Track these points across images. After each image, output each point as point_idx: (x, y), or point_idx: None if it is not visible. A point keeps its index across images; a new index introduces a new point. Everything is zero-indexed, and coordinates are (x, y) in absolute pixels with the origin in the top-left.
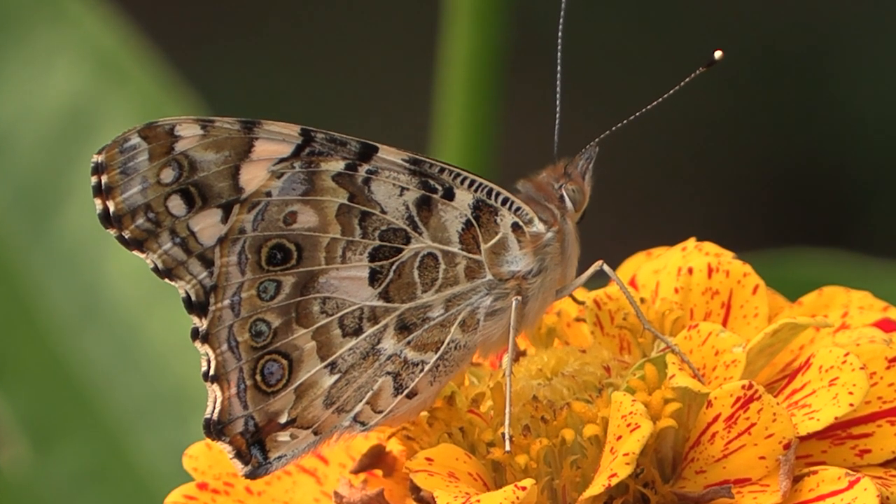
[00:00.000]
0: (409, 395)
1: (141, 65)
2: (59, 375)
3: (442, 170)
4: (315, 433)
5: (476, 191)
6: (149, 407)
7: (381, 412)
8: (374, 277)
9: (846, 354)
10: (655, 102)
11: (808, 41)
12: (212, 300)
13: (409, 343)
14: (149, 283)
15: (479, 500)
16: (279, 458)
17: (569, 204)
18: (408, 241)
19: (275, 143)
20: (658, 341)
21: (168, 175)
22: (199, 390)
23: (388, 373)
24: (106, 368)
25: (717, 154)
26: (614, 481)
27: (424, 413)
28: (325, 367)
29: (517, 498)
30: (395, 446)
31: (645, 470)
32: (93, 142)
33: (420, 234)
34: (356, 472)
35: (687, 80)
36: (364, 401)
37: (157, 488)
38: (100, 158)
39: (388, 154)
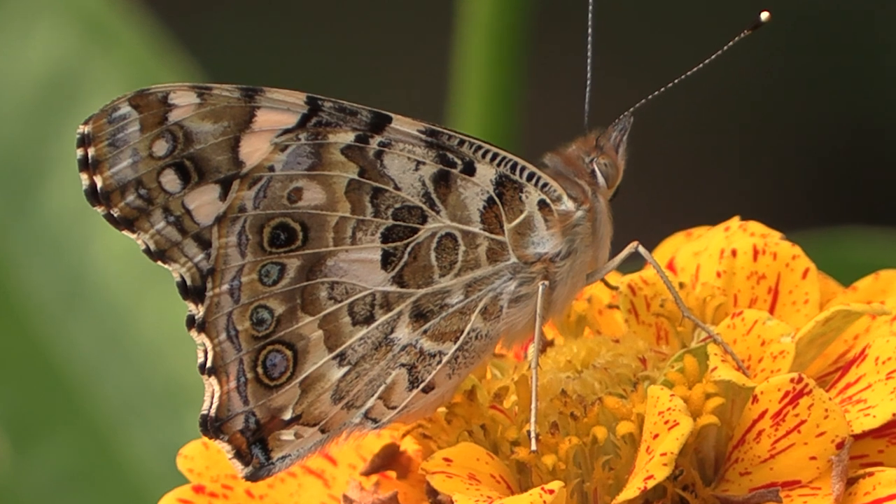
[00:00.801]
0: (426, 390)
1: (130, 28)
2: (40, 368)
3: (462, 142)
4: (322, 431)
5: (499, 165)
6: (139, 402)
7: (394, 408)
8: (387, 260)
9: None
10: (696, 68)
11: (861, 6)
12: (209, 285)
13: (425, 332)
14: (139, 266)
15: None
16: (283, 458)
17: (601, 179)
18: (424, 220)
19: (278, 112)
20: (699, 330)
21: (161, 147)
22: (195, 384)
23: (403, 365)
24: (92, 360)
25: (763, 125)
26: (651, 484)
27: (442, 409)
28: (334, 358)
29: (544, 502)
30: (410, 445)
31: (684, 471)
32: (77, 112)
33: (437, 212)
34: (367, 473)
35: (730, 44)
36: (376, 395)
37: (149, 491)
38: (86, 129)
39: (403, 125)
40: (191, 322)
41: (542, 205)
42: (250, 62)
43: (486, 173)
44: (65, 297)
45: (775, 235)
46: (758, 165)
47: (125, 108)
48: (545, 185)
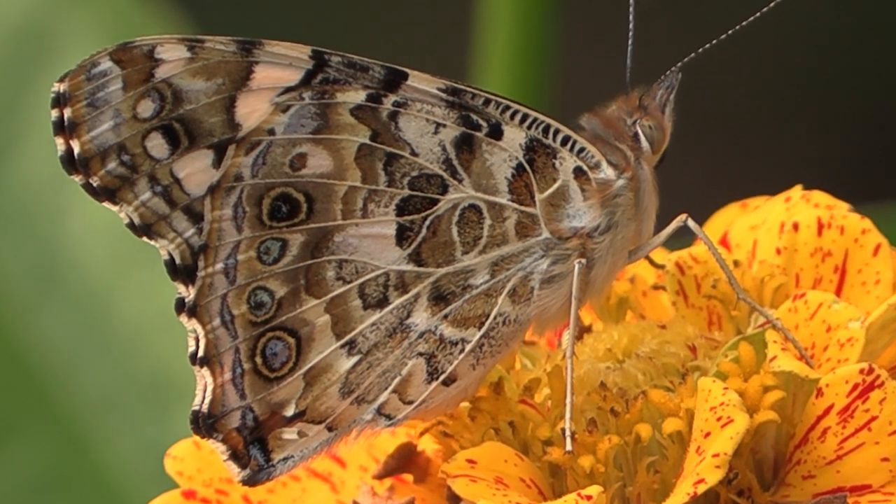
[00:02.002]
0: (447, 382)
1: None
2: (9, 359)
3: (487, 101)
4: (329, 429)
5: (530, 127)
6: (121, 397)
7: (411, 403)
8: (402, 235)
9: None
10: (752, 18)
11: None
12: (201, 264)
13: (445, 317)
14: (122, 242)
15: None
16: (284, 459)
17: (645, 144)
18: (444, 189)
19: (279, 68)
20: (756, 315)
21: (147, 108)
22: (185, 376)
23: (421, 354)
24: (68, 349)
25: (830, 83)
26: (701, 488)
27: (465, 404)
28: (342, 346)
29: None
30: (428, 445)
31: (739, 474)
32: (49, 69)
33: (460, 181)
34: (381, 476)
35: None
36: (390, 389)
37: (131, 496)
38: (62, 87)
39: (420, 82)
40: (180, 305)
41: (579, 172)
42: (248, 17)
43: (514, 137)
44: (37, 279)
45: (842, 207)
46: (823, 128)
47: (106, 64)
48: (582, 150)
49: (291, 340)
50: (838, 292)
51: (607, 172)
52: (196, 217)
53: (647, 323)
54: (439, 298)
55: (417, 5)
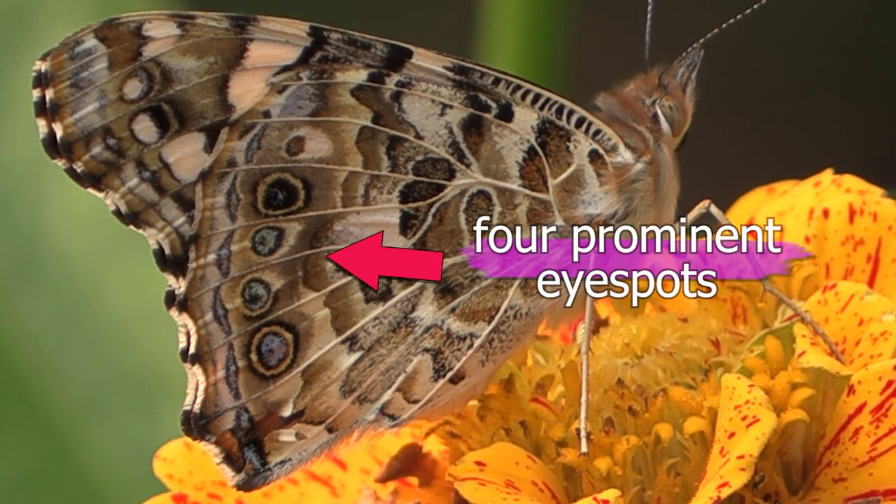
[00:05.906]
0: (454, 379)
1: None
2: None
3: (497, 81)
4: (329, 430)
5: (542, 108)
6: (106, 394)
7: (416, 402)
8: (406, 224)
9: None
10: None
11: None
12: (192, 254)
13: (453, 310)
14: (108, 229)
15: None
16: (282, 463)
17: (665, 125)
18: (451, 175)
19: (275, 45)
20: (783, 307)
21: (134, 88)
22: (175, 372)
23: (427, 350)
24: (48, 343)
25: (864, 58)
26: (725, 493)
27: (474, 402)
28: (343, 342)
29: None
30: (435, 446)
31: (766, 477)
32: (32, 45)
33: (468, 165)
34: (384, 480)
35: None
36: (394, 387)
37: (118, 501)
38: (44, 66)
39: (426, 60)
40: (170, 299)
41: (594, 156)
42: None
43: (526, 118)
44: (15, 267)
45: (876, 192)
46: (856, 107)
47: (90, 42)
48: (598, 132)
49: (289, 336)
50: (871, 283)
51: (625, 156)
52: (187, 205)
53: (667, 316)
54: (446, 291)
55: None
